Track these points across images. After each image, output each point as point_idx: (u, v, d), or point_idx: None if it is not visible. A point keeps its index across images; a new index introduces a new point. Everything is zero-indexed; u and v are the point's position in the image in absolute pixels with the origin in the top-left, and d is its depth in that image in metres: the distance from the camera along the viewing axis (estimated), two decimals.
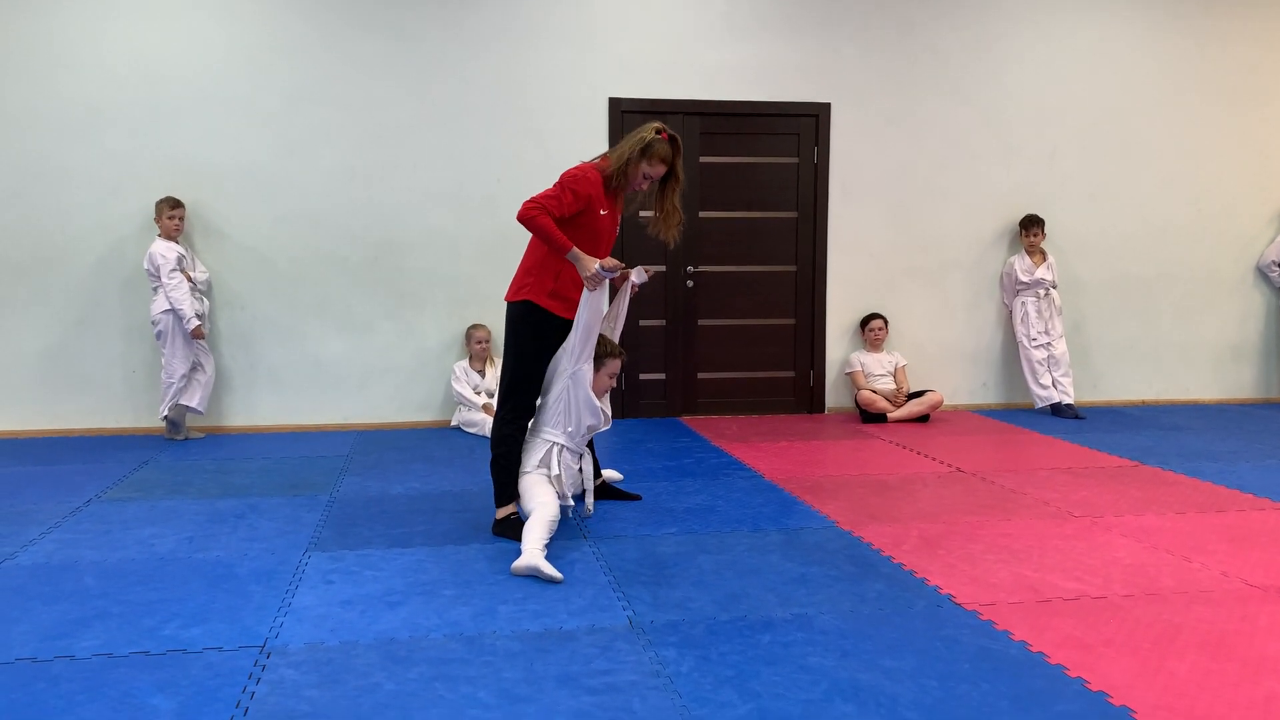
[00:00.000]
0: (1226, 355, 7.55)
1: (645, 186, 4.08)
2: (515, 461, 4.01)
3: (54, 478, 5.07)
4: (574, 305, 4.08)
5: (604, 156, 4.09)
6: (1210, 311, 7.49)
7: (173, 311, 5.91)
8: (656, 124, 4.02)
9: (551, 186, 3.93)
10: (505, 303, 4.09)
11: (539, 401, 4.12)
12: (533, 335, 4.01)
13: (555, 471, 3.96)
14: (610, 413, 4.17)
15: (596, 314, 3.95)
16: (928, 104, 6.98)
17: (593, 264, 3.85)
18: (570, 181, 3.92)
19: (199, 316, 6.00)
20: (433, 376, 6.58)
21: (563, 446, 3.99)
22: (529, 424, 4.11)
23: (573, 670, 2.71)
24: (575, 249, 3.88)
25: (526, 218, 3.84)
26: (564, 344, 4.04)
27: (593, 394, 4.00)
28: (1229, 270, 7.49)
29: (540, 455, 3.98)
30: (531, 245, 4.06)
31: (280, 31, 6.27)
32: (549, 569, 3.44)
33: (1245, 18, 7.28)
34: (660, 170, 4.00)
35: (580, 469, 4.10)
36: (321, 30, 6.31)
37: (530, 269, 4.02)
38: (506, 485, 4.01)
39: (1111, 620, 3.07)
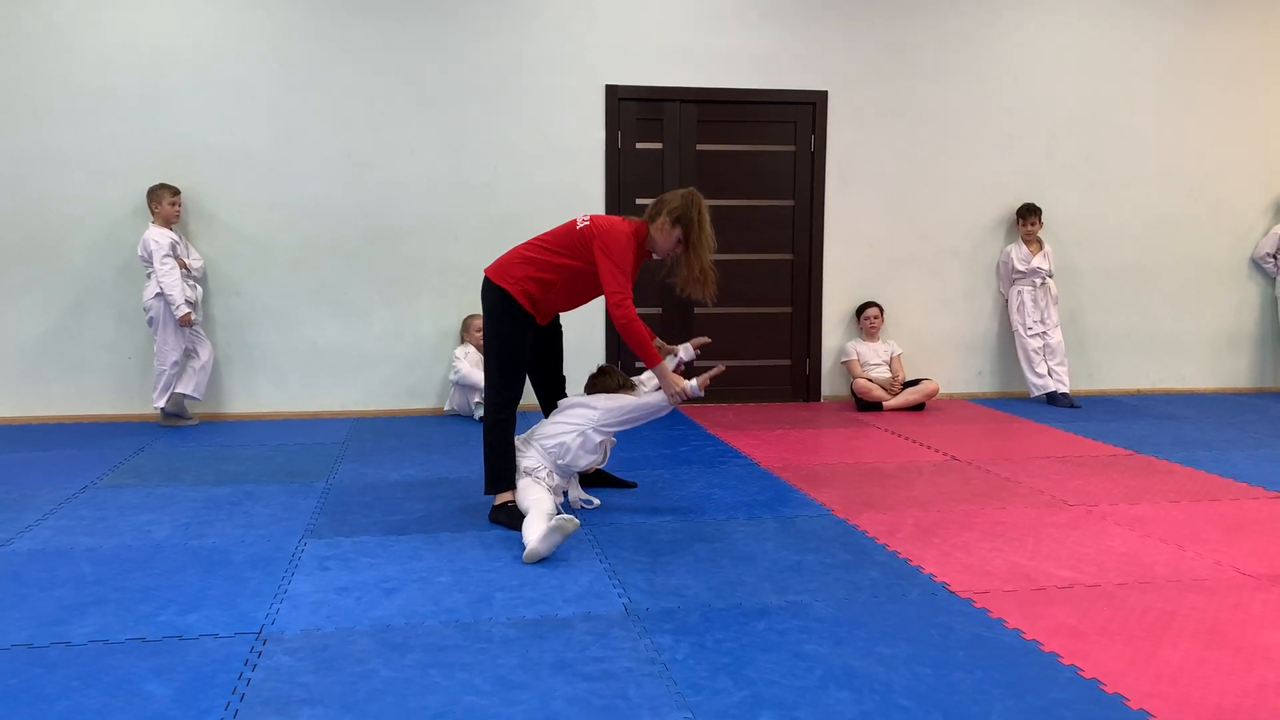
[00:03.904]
0: (1222, 344, 7.57)
1: (678, 249, 4.08)
2: (510, 447, 4.02)
3: (49, 464, 5.06)
4: (550, 318, 4.11)
5: (634, 220, 4.08)
6: (1206, 301, 7.51)
7: (163, 297, 5.90)
8: (684, 191, 4.05)
9: (607, 263, 3.90)
10: (485, 276, 4.08)
11: (539, 423, 4.17)
12: (515, 328, 4.02)
13: (541, 488, 3.98)
14: (608, 449, 4.19)
15: (651, 416, 4.05)
16: (925, 92, 6.96)
17: (681, 384, 3.94)
18: (618, 256, 3.92)
19: (189, 304, 5.98)
20: (429, 363, 6.58)
21: (550, 469, 4.02)
22: (535, 417, 4.14)
23: (568, 657, 2.72)
24: (664, 363, 3.97)
25: (625, 320, 3.87)
26: (595, 399, 4.09)
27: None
28: (1225, 260, 7.50)
29: (525, 466, 4.01)
30: (541, 245, 4.04)
31: (276, 17, 6.24)
32: (556, 535, 3.46)
33: (1244, 7, 7.27)
34: (680, 233, 4.02)
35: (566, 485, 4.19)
36: (318, 15, 6.28)
37: (529, 267, 4.00)
38: (501, 472, 4.01)
39: (1105, 608, 3.08)
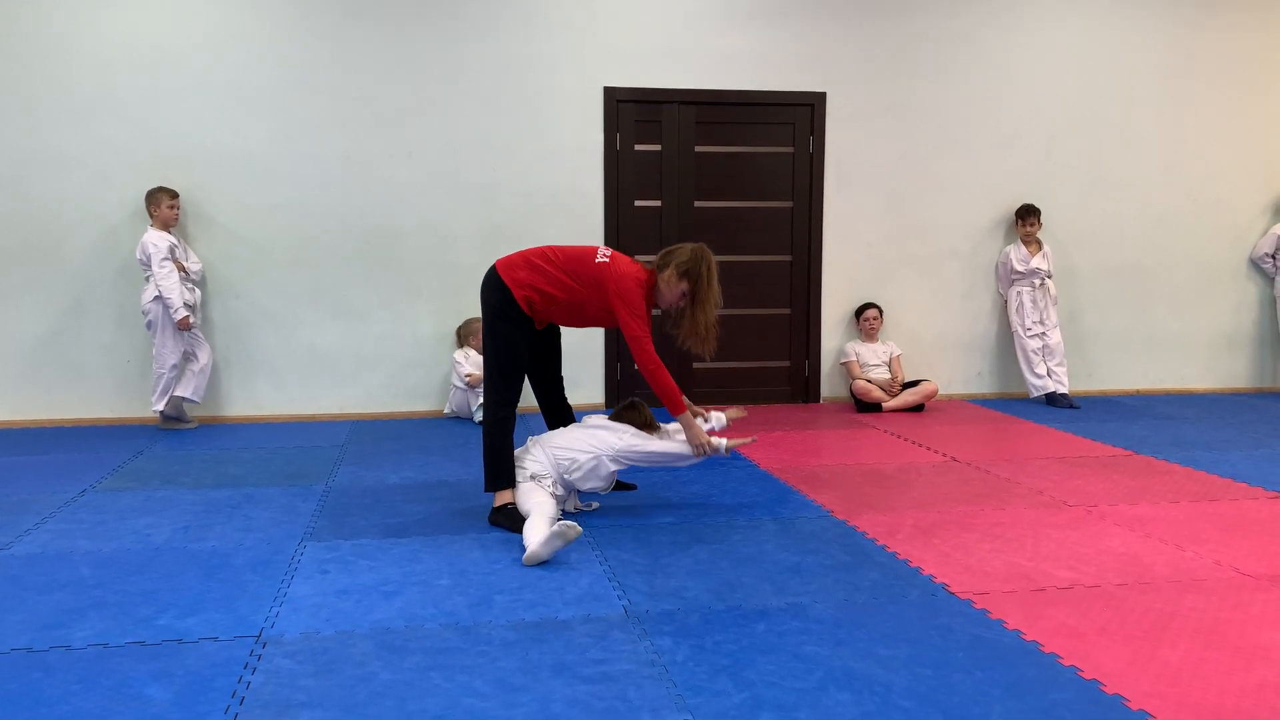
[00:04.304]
0: (1221, 345, 7.57)
1: (682, 303, 4.10)
2: (509, 445, 4.02)
3: (48, 467, 5.06)
4: (546, 324, 4.12)
5: (644, 269, 4.08)
6: (1205, 301, 7.51)
7: (162, 300, 5.89)
8: (695, 245, 4.06)
9: (625, 310, 3.92)
10: (494, 266, 4.06)
11: (556, 431, 4.19)
12: (513, 328, 4.03)
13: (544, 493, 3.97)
14: (614, 479, 4.17)
15: (670, 464, 4.05)
16: (923, 92, 6.96)
17: (705, 438, 3.97)
18: (634, 302, 3.94)
19: (188, 307, 5.98)
20: (428, 365, 6.57)
21: (555, 480, 4.03)
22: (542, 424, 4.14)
23: (568, 659, 2.72)
24: (688, 413, 4.01)
25: (652, 366, 3.93)
26: (623, 429, 4.08)
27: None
28: (1224, 260, 7.50)
29: (530, 473, 4.01)
30: (555, 260, 4.01)
31: (275, 19, 6.24)
32: (557, 540, 3.46)
33: (1243, 7, 7.27)
34: (690, 288, 4.04)
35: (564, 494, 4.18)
36: (316, 17, 6.28)
37: (537, 276, 3.98)
38: (500, 470, 4.00)
39: (1105, 609, 3.08)
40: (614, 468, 4.03)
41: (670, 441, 4.10)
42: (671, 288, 4.03)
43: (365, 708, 2.45)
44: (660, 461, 4.05)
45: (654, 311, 4.14)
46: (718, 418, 4.36)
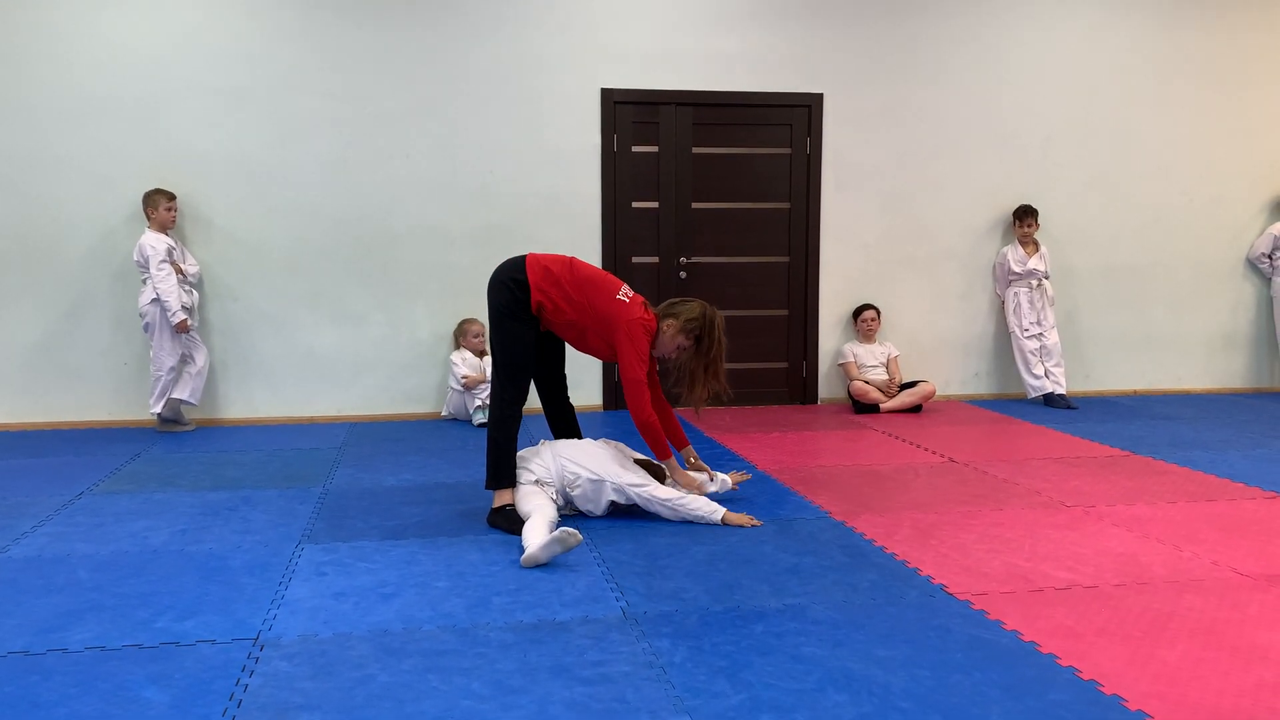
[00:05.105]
0: (1218, 344, 7.58)
1: (676, 356, 4.12)
2: (514, 445, 4.03)
3: (46, 470, 5.05)
4: (554, 329, 4.12)
5: (651, 313, 4.08)
6: (1202, 301, 7.52)
7: (159, 303, 5.89)
8: (704, 305, 4.10)
9: (631, 351, 3.94)
10: (525, 257, 4.05)
11: (571, 440, 4.20)
12: (519, 326, 4.02)
13: (544, 496, 3.97)
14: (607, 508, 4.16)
15: (671, 514, 4.02)
16: (920, 94, 6.97)
17: (697, 485, 4.04)
18: (641, 345, 3.98)
19: (186, 309, 5.97)
20: (426, 368, 6.57)
21: (557, 489, 4.03)
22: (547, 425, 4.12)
23: (566, 661, 2.72)
24: (673, 460, 4.05)
25: (645, 414, 3.96)
26: (634, 468, 4.06)
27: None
28: (1221, 260, 7.51)
29: (535, 478, 4.01)
30: (576, 280, 4.01)
31: (271, 21, 6.24)
32: (556, 546, 3.46)
33: (1240, 7, 7.28)
34: (689, 344, 4.08)
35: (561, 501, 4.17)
36: (313, 20, 6.28)
37: (555, 289, 3.98)
38: (503, 469, 4.01)
39: (1103, 609, 3.08)
40: (614, 498, 4.03)
41: (675, 491, 4.08)
42: (671, 339, 4.07)
43: (363, 710, 2.44)
44: (659, 508, 4.02)
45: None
46: (722, 480, 4.35)
